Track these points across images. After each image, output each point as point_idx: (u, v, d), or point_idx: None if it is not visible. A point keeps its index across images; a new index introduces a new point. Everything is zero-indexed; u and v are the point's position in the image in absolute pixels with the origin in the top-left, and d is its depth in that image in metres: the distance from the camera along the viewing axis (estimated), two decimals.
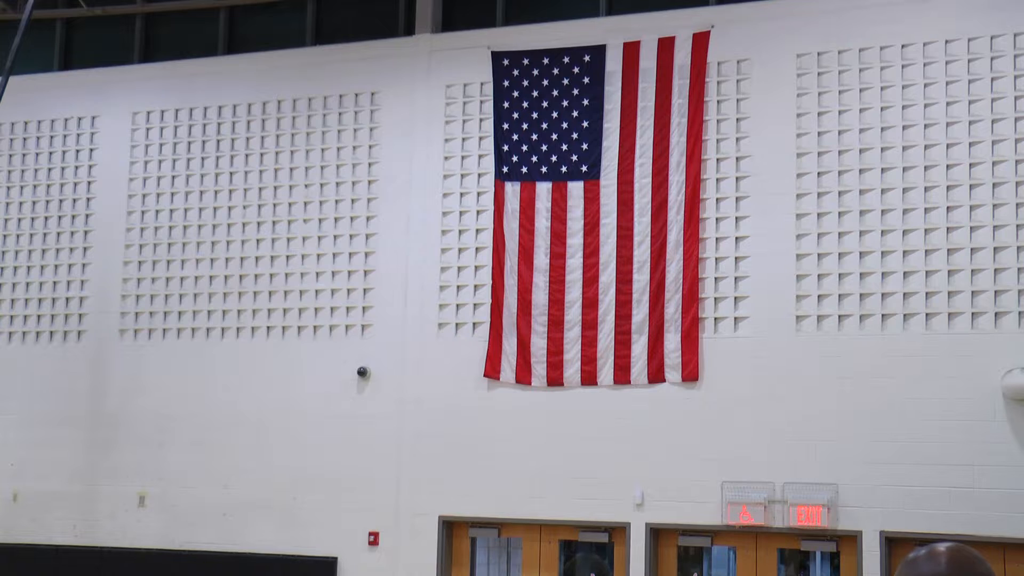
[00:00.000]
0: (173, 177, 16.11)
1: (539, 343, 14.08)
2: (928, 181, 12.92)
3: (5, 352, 16.50)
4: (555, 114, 14.39)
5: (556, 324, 14.03)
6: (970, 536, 11.87)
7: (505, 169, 14.51)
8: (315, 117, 15.52)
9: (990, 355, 12.42)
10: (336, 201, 15.29)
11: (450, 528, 14.43)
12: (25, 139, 16.93)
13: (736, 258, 13.57)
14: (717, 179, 13.72)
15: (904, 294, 12.88)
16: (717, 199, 13.70)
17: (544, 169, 14.36)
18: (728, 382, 13.35)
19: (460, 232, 14.70)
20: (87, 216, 16.48)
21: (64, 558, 15.57)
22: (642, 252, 13.82)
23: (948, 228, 12.79)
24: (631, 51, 14.12)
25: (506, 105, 14.62)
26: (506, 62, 14.68)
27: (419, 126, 15.05)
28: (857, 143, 13.23)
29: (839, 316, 13.06)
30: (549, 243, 14.19)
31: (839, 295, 13.09)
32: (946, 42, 13.01)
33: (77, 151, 16.67)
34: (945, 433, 12.45)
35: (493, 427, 14.14)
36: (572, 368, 13.93)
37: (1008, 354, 12.36)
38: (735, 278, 13.54)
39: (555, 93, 14.43)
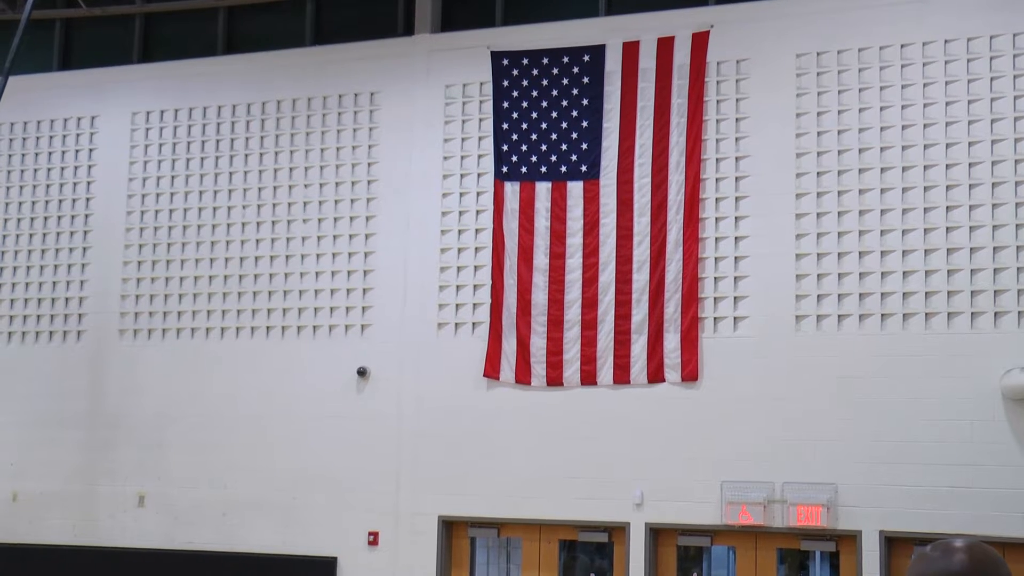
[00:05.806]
0: (173, 177, 16.11)
1: (539, 343, 14.08)
2: (927, 181, 12.92)
3: (5, 352, 16.50)
4: (554, 114, 14.39)
5: (556, 324, 14.02)
6: (970, 536, 11.85)
7: (504, 169, 14.51)
8: (315, 117, 15.52)
9: (990, 355, 12.42)
10: (335, 201, 15.29)
11: (450, 528, 14.42)
12: (25, 139, 16.92)
13: (736, 258, 13.56)
14: (716, 179, 13.71)
15: (904, 294, 12.87)
16: (717, 199, 13.70)
17: (543, 169, 14.35)
18: (728, 382, 13.34)
19: (459, 232, 14.69)
20: (87, 216, 16.48)
21: (64, 558, 15.56)
22: (641, 252, 13.82)
23: (947, 228, 12.79)
24: (630, 51, 14.12)
25: (505, 105, 14.61)
26: (505, 62, 14.67)
27: (418, 126, 15.05)
28: (857, 143, 13.23)
29: (839, 316, 13.06)
30: (549, 243, 14.18)
31: (839, 295, 13.09)
32: (945, 42, 13.01)
33: (77, 151, 16.66)
34: (945, 433, 12.44)
35: (493, 427, 14.13)
36: (572, 368, 13.93)
37: (1008, 354, 12.35)
38: (735, 278, 13.54)
39: (554, 93, 14.42)
